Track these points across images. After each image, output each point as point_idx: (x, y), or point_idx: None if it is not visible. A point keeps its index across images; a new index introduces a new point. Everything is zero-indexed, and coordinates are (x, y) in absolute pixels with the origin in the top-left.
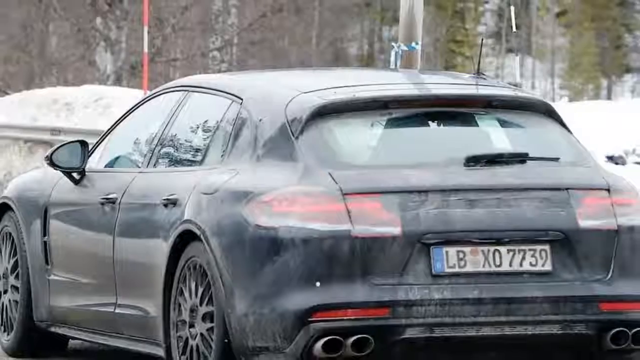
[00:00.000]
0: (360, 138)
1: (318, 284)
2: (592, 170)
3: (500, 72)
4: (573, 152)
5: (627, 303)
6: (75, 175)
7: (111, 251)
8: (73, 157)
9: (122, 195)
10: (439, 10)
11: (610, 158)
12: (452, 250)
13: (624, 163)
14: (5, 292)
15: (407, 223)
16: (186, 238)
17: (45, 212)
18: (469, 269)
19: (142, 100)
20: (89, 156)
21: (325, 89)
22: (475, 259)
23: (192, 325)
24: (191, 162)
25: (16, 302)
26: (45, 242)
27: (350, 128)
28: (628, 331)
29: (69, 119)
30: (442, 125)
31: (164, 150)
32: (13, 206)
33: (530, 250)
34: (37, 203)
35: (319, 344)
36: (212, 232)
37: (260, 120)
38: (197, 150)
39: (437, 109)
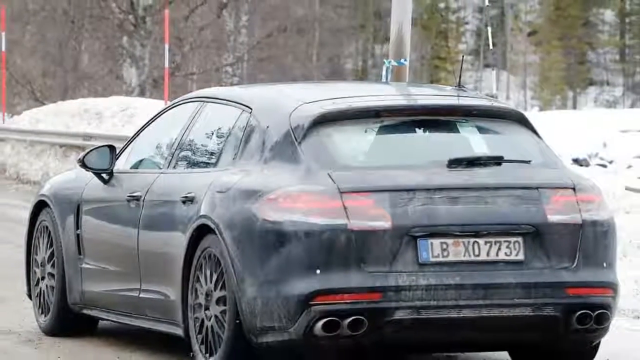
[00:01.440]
0: (356, 143)
1: (318, 271)
2: (559, 171)
3: (479, 85)
4: (543, 155)
5: (590, 288)
6: (104, 175)
7: (136, 243)
8: (102, 159)
9: (146, 194)
10: (424, 31)
11: (576, 160)
12: (436, 242)
13: (587, 165)
14: (43, 278)
15: (397, 218)
16: (202, 231)
17: (78, 208)
18: (451, 258)
19: (163, 110)
20: (117, 159)
21: (324, 99)
22: (456, 250)
23: (207, 308)
24: (206, 164)
25: (52, 287)
26: (78, 235)
27: (346, 134)
28: (591, 313)
29: (98, 126)
30: (427, 131)
31: (183, 153)
32: (49, 203)
33: (505, 241)
34: (71, 200)
35: (319, 324)
36: (225, 226)
37: (267, 127)
38: (212, 153)
39: (423, 117)
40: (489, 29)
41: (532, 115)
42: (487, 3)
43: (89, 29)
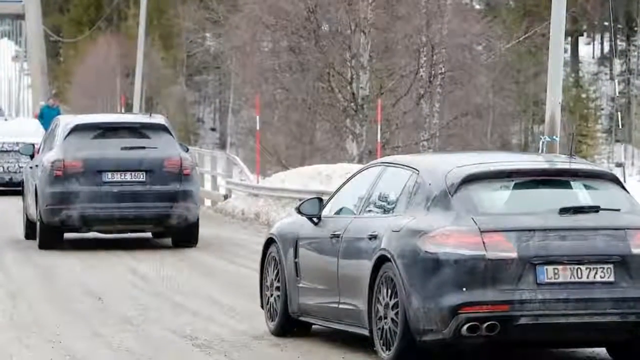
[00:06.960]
0: (492, 195)
1: (464, 289)
2: None
3: (611, 155)
4: (629, 205)
5: None
6: (314, 219)
7: (336, 268)
8: (313, 208)
9: (343, 232)
10: (570, 115)
11: None
12: (550, 268)
13: None
14: (272, 294)
15: (521, 250)
16: (382, 259)
17: (296, 243)
18: (560, 279)
19: (357, 172)
20: (323, 207)
21: (471, 164)
22: (565, 274)
23: (385, 317)
24: (386, 211)
25: (278, 299)
26: (296, 262)
27: (486, 189)
28: None
29: (328, 185)
30: (544, 187)
31: (370, 203)
32: (276, 239)
33: (600, 268)
34: (291, 237)
35: (464, 327)
36: (398, 256)
37: (429, 184)
38: (390, 203)
39: (542, 177)
40: (619, 113)
41: None
42: (617, 94)
43: (321, 113)
